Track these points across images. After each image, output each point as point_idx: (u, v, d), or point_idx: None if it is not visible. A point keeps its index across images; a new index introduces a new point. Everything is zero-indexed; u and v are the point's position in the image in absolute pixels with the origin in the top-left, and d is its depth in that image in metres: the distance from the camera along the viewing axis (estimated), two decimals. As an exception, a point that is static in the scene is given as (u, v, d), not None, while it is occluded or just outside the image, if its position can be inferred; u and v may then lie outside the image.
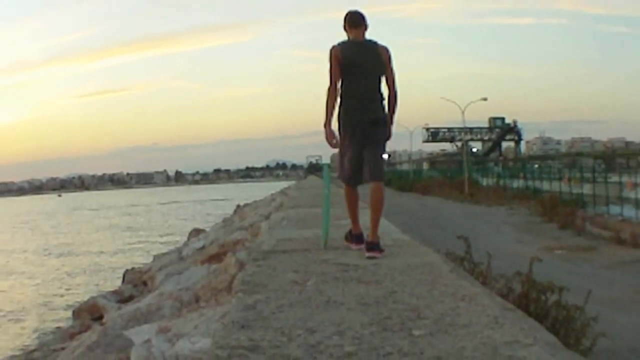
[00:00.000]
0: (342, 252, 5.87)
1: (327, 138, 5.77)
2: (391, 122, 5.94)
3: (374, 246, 5.57)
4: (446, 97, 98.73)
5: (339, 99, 5.76)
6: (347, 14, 5.89)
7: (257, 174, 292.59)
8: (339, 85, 5.75)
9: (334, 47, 5.75)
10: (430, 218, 23.59)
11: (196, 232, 26.10)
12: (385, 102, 5.87)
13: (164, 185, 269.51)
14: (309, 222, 9.39)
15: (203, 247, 16.58)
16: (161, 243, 32.02)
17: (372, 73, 5.76)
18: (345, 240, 6.13)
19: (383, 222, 6.35)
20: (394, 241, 6.79)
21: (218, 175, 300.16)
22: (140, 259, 25.65)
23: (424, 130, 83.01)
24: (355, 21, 5.86)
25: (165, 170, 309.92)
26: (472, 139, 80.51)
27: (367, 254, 5.49)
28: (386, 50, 5.81)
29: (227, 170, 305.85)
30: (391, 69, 5.84)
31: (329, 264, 5.21)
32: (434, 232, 16.09)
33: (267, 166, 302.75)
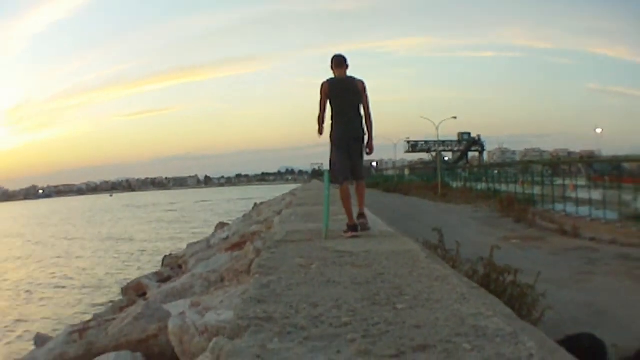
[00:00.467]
0: (340, 242, 5.87)
1: (319, 130, 6.42)
2: (370, 137, 6.42)
3: (362, 215, 6.58)
4: (424, 115, 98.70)
5: (330, 121, 6.33)
6: (333, 57, 6.44)
7: (271, 178, 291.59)
8: (327, 112, 6.30)
9: (323, 83, 6.26)
10: (410, 214, 23.54)
11: (221, 225, 26.06)
12: (364, 122, 6.36)
13: (195, 188, 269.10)
14: (313, 217, 9.39)
15: (227, 237, 16.58)
16: (193, 234, 31.99)
17: (353, 101, 6.28)
18: (344, 233, 6.35)
19: (372, 216, 6.53)
20: (381, 232, 6.79)
21: (239, 179, 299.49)
22: (177, 247, 25.65)
23: (406, 143, 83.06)
24: (339, 63, 6.39)
25: (196, 175, 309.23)
26: (444, 150, 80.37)
27: (358, 221, 6.40)
28: (362, 83, 6.32)
29: (247, 175, 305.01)
30: (366, 97, 6.34)
31: (329, 252, 5.20)
32: (413, 225, 16.06)
33: (279, 172, 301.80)
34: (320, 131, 6.41)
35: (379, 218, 9.13)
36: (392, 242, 5.89)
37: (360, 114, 6.35)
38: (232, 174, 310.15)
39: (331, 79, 6.35)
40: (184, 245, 22.97)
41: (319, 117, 6.35)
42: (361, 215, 6.58)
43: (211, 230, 27.39)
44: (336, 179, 6.38)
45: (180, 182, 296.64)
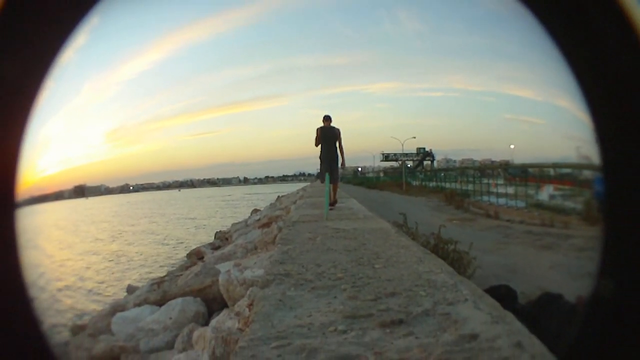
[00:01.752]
0: (336, 223, 5.86)
1: (315, 141, 7.91)
2: (342, 159, 7.98)
3: (335, 200, 8.34)
4: (393, 136, 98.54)
5: (320, 150, 7.86)
6: (324, 116, 7.92)
7: (289, 178, 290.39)
8: (319, 146, 7.85)
9: (317, 128, 7.84)
10: (384, 203, 23.41)
11: (255, 211, 25.98)
12: (339, 152, 7.89)
13: (237, 185, 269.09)
14: (318, 205, 9.38)
15: (259, 219, 16.54)
16: (235, 216, 32.02)
17: (332, 140, 7.87)
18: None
19: (357, 205, 6.64)
20: (365, 216, 6.79)
21: (267, 179, 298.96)
22: (225, 224, 25.65)
23: (381, 154, 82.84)
24: (326, 118, 7.92)
25: (237, 176, 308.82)
26: (407, 159, 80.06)
27: (330, 208, 7.62)
28: (338, 130, 7.88)
29: (272, 177, 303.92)
30: (340, 139, 7.90)
31: (328, 229, 5.20)
32: (386, 210, 16.02)
33: (295, 174, 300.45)
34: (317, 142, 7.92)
35: (363, 206, 9.11)
36: (372, 222, 5.89)
37: (336, 146, 7.92)
38: (262, 176, 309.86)
39: (322, 127, 7.89)
40: (229, 225, 22.99)
41: (316, 143, 7.93)
42: (335, 201, 8.36)
43: (248, 214, 27.43)
44: (320, 179, 8.26)
45: (227, 182, 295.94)
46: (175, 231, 26.96)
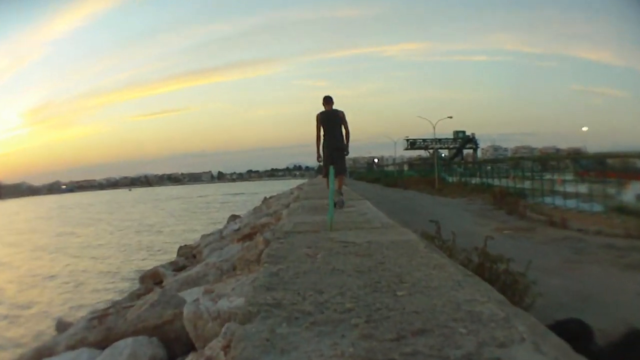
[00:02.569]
0: (344, 233, 5.86)
1: (317, 158, 8.98)
2: (347, 145, 8.89)
3: (340, 193, 9.07)
4: (422, 115, 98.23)
5: (322, 139, 8.75)
6: (324, 98, 8.84)
7: (280, 173, 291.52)
8: (321, 133, 8.74)
9: (317, 114, 8.78)
10: (409, 206, 23.48)
11: (233, 218, 26.08)
12: (344, 138, 8.82)
13: (208, 183, 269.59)
14: (319, 210, 9.37)
15: (239, 229, 16.58)
16: (207, 225, 32.04)
17: (337, 127, 8.76)
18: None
19: (373, 209, 6.72)
20: (382, 224, 6.78)
21: (250, 175, 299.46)
22: (192, 236, 25.66)
23: (405, 141, 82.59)
24: (327, 101, 8.86)
25: (210, 171, 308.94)
26: (440, 147, 79.86)
27: (338, 197, 8.77)
28: (343, 112, 8.77)
29: (257, 171, 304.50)
30: (345, 121, 8.80)
31: (334, 242, 5.19)
32: (412, 217, 16.03)
33: (287, 168, 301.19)
34: (318, 159, 8.90)
35: (380, 210, 9.11)
36: (392, 232, 5.88)
37: (341, 132, 8.80)
38: (244, 170, 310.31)
39: (322, 112, 8.76)
40: (198, 237, 23.00)
41: (317, 141, 8.78)
42: (339, 192, 9.08)
43: (224, 222, 27.45)
44: (322, 173, 9.07)
45: (194, 178, 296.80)
46: (123, 243, 27.00)
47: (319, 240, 5.36)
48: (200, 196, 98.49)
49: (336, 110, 8.82)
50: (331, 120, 8.74)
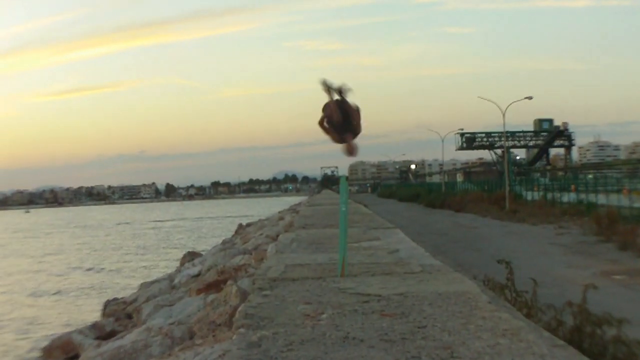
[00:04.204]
0: (362, 281, 5.88)
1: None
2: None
3: None
4: (484, 96, 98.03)
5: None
6: (323, 84, 8.64)
7: (263, 187, 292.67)
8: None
9: (326, 105, 8.51)
10: (465, 239, 23.48)
11: (190, 256, 26.07)
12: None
13: (152, 201, 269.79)
14: (323, 244, 9.39)
15: (199, 274, 16.60)
16: (148, 268, 32.00)
17: (347, 125, 8.40)
18: None
19: (407, 242, 6.55)
20: (423, 267, 6.80)
21: (217, 190, 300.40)
22: (127, 282, 25.55)
23: (458, 136, 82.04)
24: (329, 87, 8.60)
25: (154, 184, 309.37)
26: (514, 146, 79.56)
27: None
28: (357, 108, 8.74)
29: (227, 184, 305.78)
30: (359, 118, 8.76)
31: (347, 294, 5.21)
32: (470, 255, 16.03)
33: (275, 179, 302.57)
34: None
35: (420, 246, 9.13)
36: (438, 280, 5.90)
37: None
38: (206, 182, 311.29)
39: (331, 103, 8.73)
40: (135, 285, 22.99)
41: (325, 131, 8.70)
42: None
43: (175, 263, 27.40)
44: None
45: (130, 193, 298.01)
46: (23, 294, 26.97)
47: (323, 292, 5.38)
48: (127, 223, 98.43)
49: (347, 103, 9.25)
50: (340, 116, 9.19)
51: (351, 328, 4.07)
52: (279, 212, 43.03)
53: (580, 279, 7.75)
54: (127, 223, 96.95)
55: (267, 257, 11.03)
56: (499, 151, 75.45)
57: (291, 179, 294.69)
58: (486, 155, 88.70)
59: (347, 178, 7.39)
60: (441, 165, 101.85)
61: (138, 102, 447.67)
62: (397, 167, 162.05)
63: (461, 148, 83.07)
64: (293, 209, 38.69)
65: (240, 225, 40.54)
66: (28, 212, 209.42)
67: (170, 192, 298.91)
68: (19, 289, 30.26)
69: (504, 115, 48.68)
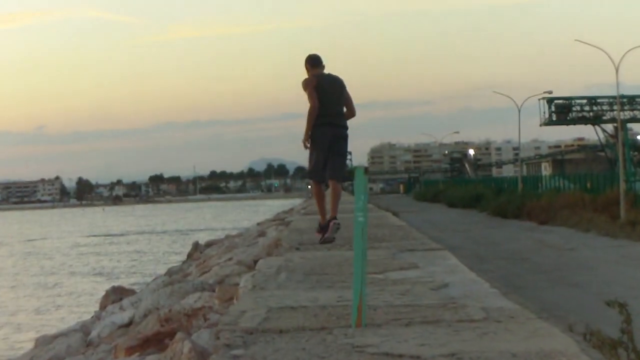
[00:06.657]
0: (391, 333, 5.90)
1: (304, 142, 12.40)
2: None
3: (334, 218, 11.75)
4: (584, 40, 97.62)
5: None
6: (311, 58, 12.07)
7: (232, 185, 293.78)
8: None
9: (309, 78, 11.86)
10: (554, 267, 23.47)
11: (117, 294, 26.19)
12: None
13: (56, 205, 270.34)
14: (328, 275, 9.46)
15: (130, 323, 16.69)
16: (47, 312, 32.15)
17: (340, 97, 12.28)
18: (316, 233, 11.92)
19: (463, 271, 6.65)
20: (487, 312, 6.82)
21: (158, 188, 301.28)
22: (14, 339, 25.71)
23: (544, 103, 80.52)
24: (317, 63, 12.09)
25: (58, 178, 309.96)
26: (634, 119, 78.53)
27: (326, 236, 11.78)
28: (342, 81, 12.04)
29: (176, 179, 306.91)
30: (349, 96, 12.17)
31: (366, 355, 5.23)
32: (563, 293, 16.09)
33: (251, 170, 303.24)
34: (306, 143, 11.99)
35: (481, 277, 9.16)
36: (512, 332, 5.94)
37: (342, 110, 12.07)
38: (143, 177, 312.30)
39: (316, 76, 11.75)
40: (30, 340, 23.12)
41: (312, 115, 11.58)
42: (332, 216, 11.78)
43: (94, 307, 27.53)
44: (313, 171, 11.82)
45: (20, 194, 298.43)
46: None
47: (329, 353, 5.41)
48: (29, 240, 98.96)
49: (336, 77, 12.01)
50: (333, 91, 11.91)
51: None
52: (258, 224, 43.25)
53: None
54: (107, 236, 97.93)
55: (238, 295, 11.08)
56: (609, 127, 75.20)
57: (277, 171, 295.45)
58: (589, 133, 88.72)
59: (366, 170, 7.02)
60: (516, 149, 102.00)
61: (35, 47, 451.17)
62: (446, 152, 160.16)
63: (549, 122, 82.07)
64: (280, 219, 38.91)
65: (196, 245, 40.67)
66: None
67: (84, 192, 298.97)
68: None
69: (617, 70, 47.61)
